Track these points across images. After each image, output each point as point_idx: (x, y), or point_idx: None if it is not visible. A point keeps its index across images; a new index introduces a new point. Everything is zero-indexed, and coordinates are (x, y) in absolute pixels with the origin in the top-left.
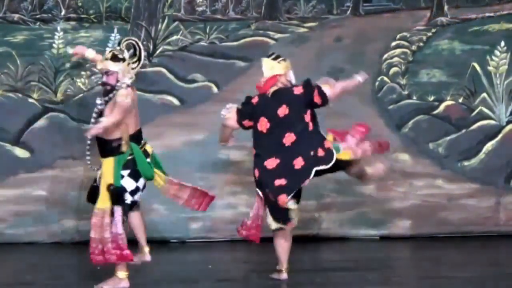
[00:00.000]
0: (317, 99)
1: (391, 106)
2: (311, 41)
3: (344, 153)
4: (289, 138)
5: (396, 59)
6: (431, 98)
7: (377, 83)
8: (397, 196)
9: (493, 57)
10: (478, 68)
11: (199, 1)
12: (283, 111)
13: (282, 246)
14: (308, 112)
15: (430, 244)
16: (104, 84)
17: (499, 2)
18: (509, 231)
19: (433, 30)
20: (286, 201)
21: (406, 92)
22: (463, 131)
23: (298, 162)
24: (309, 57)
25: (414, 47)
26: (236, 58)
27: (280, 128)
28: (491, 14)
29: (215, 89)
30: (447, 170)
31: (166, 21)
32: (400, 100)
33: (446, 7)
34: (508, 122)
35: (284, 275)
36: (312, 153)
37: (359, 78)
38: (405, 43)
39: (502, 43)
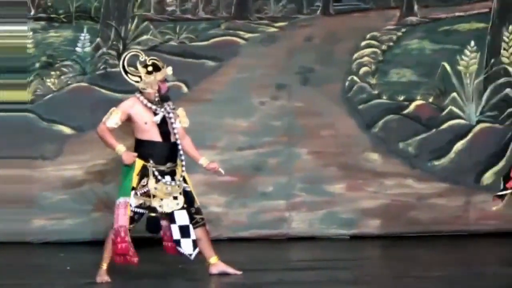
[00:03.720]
0: None
1: (361, 105)
2: (281, 40)
3: None
4: None
5: (366, 58)
6: (401, 98)
7: (347, 83)
8: (367, 196)
9: (463, 57)
10: (448, 67)
11: (169, 1)
12: None
13: None
14: None
15: (400, 243)
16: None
17: (469, 1)
18: (478, 230)
19: (403, 30)
20: None
21: (376, 92)
22: (433, 130)
23: None
24: (279, 57)
25: (384, 47)
26: (206, 58)
27: None
28: (461, 14)
29: (185, 89)
30: (417, 170)
31: (136, 21)
32: (370, 99)
33: (416, 7)
34: (478, 122)
35: None
36: None
37: None
38: (375, 43)
39: (472, 43)
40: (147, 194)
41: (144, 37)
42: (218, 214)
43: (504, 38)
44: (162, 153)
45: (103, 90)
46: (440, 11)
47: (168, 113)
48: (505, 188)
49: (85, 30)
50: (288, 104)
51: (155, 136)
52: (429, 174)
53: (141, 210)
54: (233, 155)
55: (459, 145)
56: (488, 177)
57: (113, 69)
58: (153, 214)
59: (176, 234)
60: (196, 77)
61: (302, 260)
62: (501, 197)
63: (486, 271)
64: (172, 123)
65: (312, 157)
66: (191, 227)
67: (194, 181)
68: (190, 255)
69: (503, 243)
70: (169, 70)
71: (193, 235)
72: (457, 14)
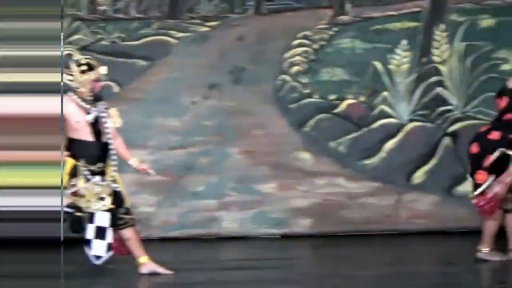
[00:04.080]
0: None
1: (293, 105)
2: (213, 40)
3: None
4: (507, 117)
5: (297, 58)
6: (333, 97)
7: (278, 82)
8: (298, 195)
9: (394, 56)
10: (379, 66)
11: (101, 0)
12: None
13: None
14: None
15: (331, 243)
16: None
17: (401, 0)
18: (409, 229)
19: (335, 29)
20: None
21: (307, 91)
22: (364, 129)
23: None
24: (211, 56)
25: (316, 46)
26: (138, 57)
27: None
28: (393, 13)
29: (116, 88)
30: (348, 169)
31: (67, 20)
32: (301, 99)
33: (347, 6)
34: (409, 121)
35: None
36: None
37: None
38: (307, 42)
39: (404, 42)
40: (76, 194)
41: (76, 36)
42: (149, 213)
43: (435, 37)
44: (94, 152)
45: None
46: (371, 10)
47: (101, 112)
48: (477, 185)
49: None
50: (220, 104)
51: (87, 135)
52: (360, 173)
53: (69, 210)
54: (164, 154)
55: (390, 144)
56: (418, 176)
57: None
58: (79, 214)
59: (90, 234)
60: (127, 76)
61: (233, 260)
62: (481, 194)
63: (416, 270)
64: (104, 123)
65: (243, 157)
66: (109, 230)
67: (125, 181)
68: (98, 257)
69: (434, 242)
70: (103, 70)
71: (109, 239)
72: (388, 13)
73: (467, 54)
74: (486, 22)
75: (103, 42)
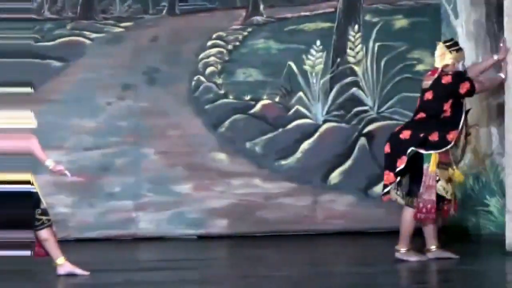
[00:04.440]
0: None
1: (208, 105)
2: (127, 41)
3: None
4: (418, 116)
5: (212, 58)
6: (248, 98)
7: (193, 83)
8: (215, 195)
9: (309, 56)
10: (294, 67)
11: None
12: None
13: None
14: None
15: (248, 243)
16: None
17: (314, 1)
18: (326, 229)
19: (249, 30)
20: None
21: (222, 92)
22: (280, 130)
23: (405, 133)
24: (125, 57)
25: (230, 47)
26: (52, 58)
27: (420, 109)
28: (307, 13)
29: (30, 89)
30: (264, 169)
31: None
32: (216, 99)
33: (261, 7)
34: (324, 121)
35: None
36: (422, 134)
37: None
38: (221, 43)
39: (318, 42)
40: None
41: None
42: (66, 214)
43: (350, 37)
44: None
45: None
46: (285, 11)
47: None
48: (385, 185)
49: None
50: (135, 104)
51: None
52: (276, 173)
53: None
54: (80, 155)
55: (305, 145)
56: (335, 177)
57: None
58: None
59: None
60: (41, 77)
61: (150, 261)
62: (387, 194)
63: (333, 270)
64: None
65: (159, 157)
66: None
67: (41, 182)
68: None
69: (351, 242)
70: None
71: None
72: (302, 14)
73: (381, 54)
74: (400, 22)
75: None
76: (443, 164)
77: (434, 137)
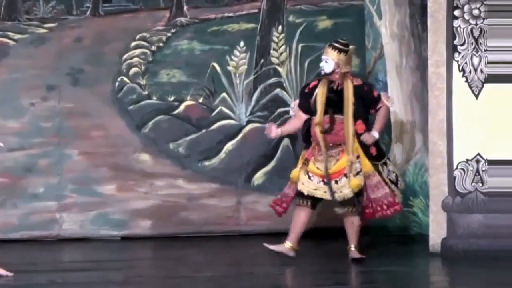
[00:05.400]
0: None
1: (131, 106)
2: (51, 41)
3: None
4: None
5: (136, 59)
6: (171, 98)
7: (117, 84)
8: (138, 196)
9: (233, 57)
10: (218, 68)
11: None
12: None
13: None
14: None
15: (171, 244)
16: None
17: (238, 2)
18: (249, 230)
19: (173, 31)
20: None
21: (146, 92)
22: (203, 131)
23: None
24: (48, 58)
25: (153, 48)
26: None
27: None
28: (230, 14)
29: None
30: (187, 170)
31: None
32: (140, 100)
33: (185, 8)
34: (248, 122)
35: None
36: None
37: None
38: (145, 44)
39: (242, 43)
40: None
41: None
42: None
43: (274, 38)
44: None
45: None
46: (209, 12)
47: None
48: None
49: None
50: (59, 105)
51: None
52: (200, 174)
53: None
54: (3, 156)
55: (229, 146)
56: (258, 177)
57: None
58: None
59: None
60: None
61: (73, 261)
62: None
63: (256, 271)
64: None
65: (82, 158)
66: None
67: None
68: None
69: (274, 243)
70: None
71: None
72: (226, 14)
73: (305, 55)
74: (324, 23)
75: None
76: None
77: None
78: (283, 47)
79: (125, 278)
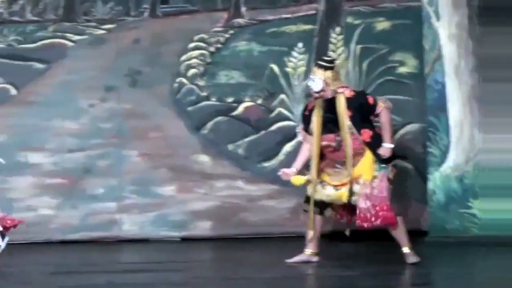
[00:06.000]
0: None
1: (190, 107)
2: (109, 43)
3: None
4: None
5: (194, 60)
6: (230, 100)
7: (175, 85)
8: (198, 197)
9: (291, 58)
10: (276, 69)
11: None
12: None
13: None
14: None
15: (231, 245)
16: None
17: (295, 3)
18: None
19: (231, 32)
20: None
21: (205, 94)
22: (262, 132)
23: None
24: (107, 59)
25: (212, 49)
26: (34, 60)
27: None
28: (288, 16)
29: (13, 91)
30: (247, 171)
31: None
32: (199, 101)
33: (243, 9)
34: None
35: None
36: None
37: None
38: (203, 45)
39: (300, 44)
40: None
41: None
42: (49, 216)
43: (332, 39)
44: None
45: None
46: (267, 13)
47: None
48: None
49: None
50: (117, 106)
51: None
52: (259, 175)
53: None
54: (62, 157)
55: (288, 147)
56: None
57: None
58: None
59: None
60: (24, 79)
61: (133, 262)
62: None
63: (316, 272)
64: None
65: (141, 159)
66: None
67: (25, 183)
68: None
69: (334, 244)
70: None
71: None
72: (284, 16)
73: (363, 57)
74: (382, 25)
75: None
76: None
77: None
78: (341, 48)
79: (184, 279)
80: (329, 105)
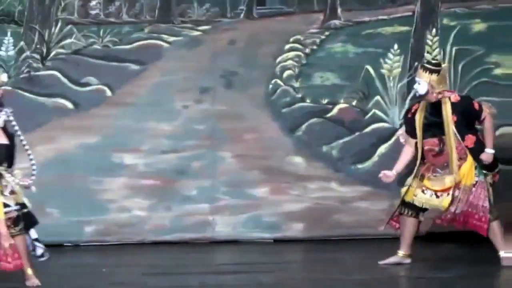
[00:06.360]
0: None
1: (285, 109)
2: (205, 44)
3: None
4: None
5: (289, 62)
6: (325, 101)
7: (270, 86)
8: (291, 199)
9: (387, 60)
10: (371, 71)
11: (93, 5)
12: None
13: None
14: None
15: (323, 247)
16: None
17: (392, 5)
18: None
19: (327, 33)
20: None
21: (299, 95)
22: (357, 134)
23: None
24: (202, 60)
25: (307, 50)
26: (130, 61)
27: None
28: (384, 17)
29: (108, 92)
30: (340, 173)
31: (59, 24)
32: (293, 103)
33: (339, 10)
34: (401, 125)
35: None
36: None
37: None
38: (299, 46)
39: (396, 46)
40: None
41: (68, 40)
42: (142, 217)
43: (428, 41)
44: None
45: (26, 94)
46: (363, 14)
47: (8, 116)
48: None
49: (8, 33)
50: (212, 108)
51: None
52: (353, 177)
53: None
54: (156, 158)
55: (382, 149)
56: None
57: (36, 73)
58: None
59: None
60: (119, 80)
61: (225, 264)
62: None
63: (409, 274)
64: (13, 126)
65: (235, 161)
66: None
67: (117, 185)
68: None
69: (423, 246)
70: (3, 77)
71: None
72: (380, 17)
73: (459, 58)
74: (478, 26)
75: (95, 46)
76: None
77: None
78: (437, 50)
79: (276, 281)
80: (433, 109)
